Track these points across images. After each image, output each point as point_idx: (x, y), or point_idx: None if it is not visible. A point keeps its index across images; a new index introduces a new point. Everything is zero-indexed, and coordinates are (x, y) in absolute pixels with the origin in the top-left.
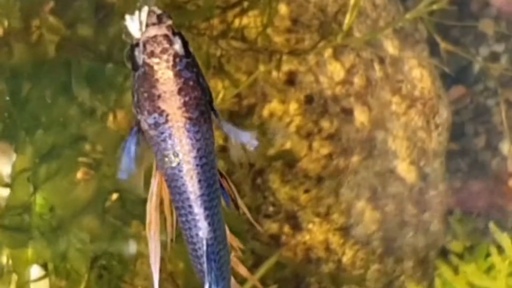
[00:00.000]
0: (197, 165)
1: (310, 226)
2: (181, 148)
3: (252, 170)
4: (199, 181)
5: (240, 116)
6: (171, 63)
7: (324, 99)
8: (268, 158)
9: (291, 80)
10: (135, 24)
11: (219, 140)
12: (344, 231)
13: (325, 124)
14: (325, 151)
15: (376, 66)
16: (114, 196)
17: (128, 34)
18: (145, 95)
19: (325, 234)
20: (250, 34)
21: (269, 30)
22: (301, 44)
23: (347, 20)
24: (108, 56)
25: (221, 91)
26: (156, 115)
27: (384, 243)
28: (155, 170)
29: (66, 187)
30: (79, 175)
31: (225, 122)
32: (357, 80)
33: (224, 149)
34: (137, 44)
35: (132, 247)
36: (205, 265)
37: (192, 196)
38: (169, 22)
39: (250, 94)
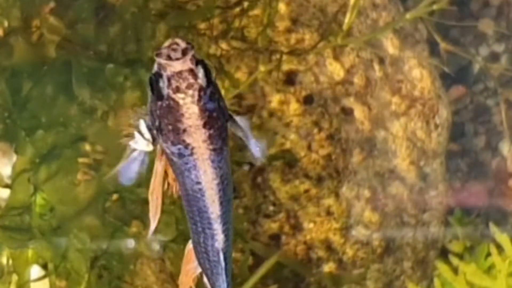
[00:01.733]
0: (219, 190)
1: (311, 225)
2: (205, 177)
3: (252, 169)
4: (221, 203)
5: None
6: (196, 98)
7: (324, 99)
8: (268, 158)
9: (291, 80)
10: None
11: None
12: (344, 230)
13: (325, 124)
14: (325, 151)
15: (376, 66)
16: (114, 196)
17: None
18: (170, 127)
19: (326, 233)
20: (250, 34)
21: (269, 30)
22: (301, 44)
23: (347, 20)
24: (108, 56)
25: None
26: (181, 146)
27: (384, 243)
28: (160, 153)
29: (66, 187)
30: (79, 175)
31: (237, 125)
32: (357, 80)
33: None
34: (160, 75)
35: (132, 247)
36: (221, 271)
37: (212, 216)
38: (193, 53)
39: (250, 94)
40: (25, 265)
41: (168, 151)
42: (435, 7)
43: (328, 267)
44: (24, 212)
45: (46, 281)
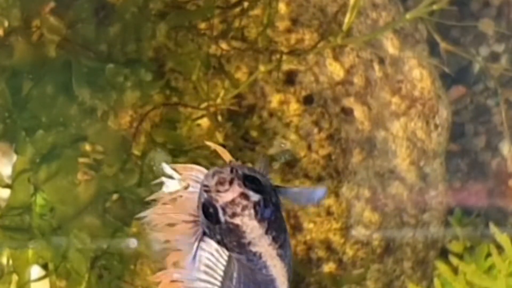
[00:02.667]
0: (287, 270)
1: (311, 225)
2: (275, 270)
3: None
4: (288, 279)
5: (240, 116)
6: (253, 214)
7: (324, 99)
8: (268, 158)
9: (291, 80)
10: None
11: (219, 139)
12: (344, 231)
13: (325, 124)
14: (325, 151)
15: (376, 66)
16: (114, 196)
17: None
18: (234, 243)
19: (326, 233)
20: (250, 34)
21: (269, 30)
22: (301, 44)
23: (347, 20)
24: (108, 56)
25: (221, 91)
26: (249, 255)
27: (384, 243)
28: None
29: (66, 187)
30: (79, 175)
31: (286, 191)
32: (357, 80)
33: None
34: (212, 205)
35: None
36: None
37: (277, 283)
38: (238, 176)
39: (250, 94)
40: (25, 265)
41: (235, 256)
42: (435, 7)
43: (328, 267)
44: (24, 212)
45: (46, 281)
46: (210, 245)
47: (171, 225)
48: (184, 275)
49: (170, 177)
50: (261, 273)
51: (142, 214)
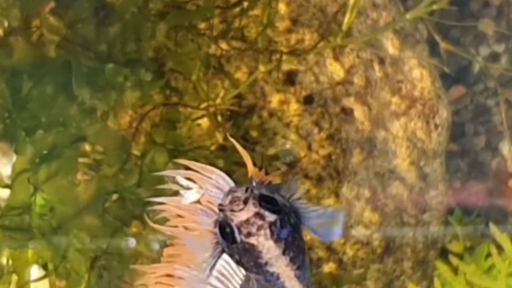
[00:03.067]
0: None
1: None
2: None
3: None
4: None
5: (240, 116)
6: (269, 234)
7: (324, 99)
8: (268, 158)
9: (291, 80)
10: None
11: (219, 139)
12: (344, 231)
13: (325, 124)
14: (325, 151)
15: (376, 66)
16: (114, 196)
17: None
18: (251, 263)
19: None
20: (250, 34)
21: (269, 30)
22: (301, 44)
23: (347, 20)
24: (108, 56)
25: (221, 91)
26: (266, 275)
27: (384, 243)
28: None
29: (66, 187)
30: (79, 175)
31: (307, 217)
32: (357, 80)
33: (223, 148)
34: (228, 224)
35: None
36: None
37: None
38: (254, 196)
39: (250, 94)
40: (25, 265)
41: (254, 276)
42: (435, 7)
43: (328, 267)
44: (24, 212)
45: (46, 281)
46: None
47: (187, 228)
48: (191, 275)
49: (186, 188)
50: None
51: (159, 200)
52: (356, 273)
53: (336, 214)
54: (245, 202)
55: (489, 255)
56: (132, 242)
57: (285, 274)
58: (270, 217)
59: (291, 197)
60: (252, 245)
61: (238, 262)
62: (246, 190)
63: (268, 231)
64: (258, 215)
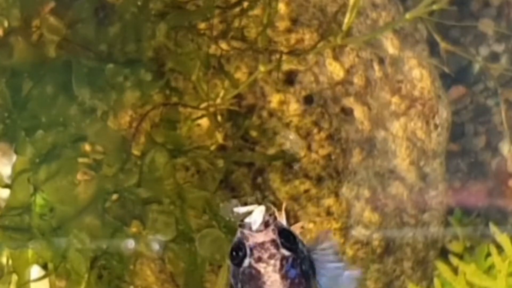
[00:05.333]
0: None
1: (311, 225)
2: None
3: (252, 169)
4: None
5: (240, 116)
6: (278, 267)
7: (324, 99)
8: (268, 158)
9: (291, 80)
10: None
11: (219, 139)
12: (344, 231)
13: (324, 124)
14: (324, 151)
15: (376, 66)
16: (114, 196)
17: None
18: None
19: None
20: (250, 34)
21: (269, 30)
22: (301, 44)
23: (346, 20)
24: (108, 56)
25: (221, 91)
26: None
27: (384, 243)
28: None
29: (66, 187)
30: (79, 175)
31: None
32: (357, 80)
33: (224, 148)
34: (242, 244)
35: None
36: None
37: None
38: (275, 223)
39: (250, 94)
40: (25, 265)
41: None
42: (435, 7)
43: None
44: (24, 212)
45: (46, 281)
46: None
47: None
48: None
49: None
50: None
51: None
52: None
53: (350, 280)
54: (266, 225)
55: (489, 255)
56: (131, 243)
57: None
58: (285, 250)
59: (316, 248)
60: (258, 273)
61: None
62: (271, 215)
63: (278, 263)
64: (274, 243)
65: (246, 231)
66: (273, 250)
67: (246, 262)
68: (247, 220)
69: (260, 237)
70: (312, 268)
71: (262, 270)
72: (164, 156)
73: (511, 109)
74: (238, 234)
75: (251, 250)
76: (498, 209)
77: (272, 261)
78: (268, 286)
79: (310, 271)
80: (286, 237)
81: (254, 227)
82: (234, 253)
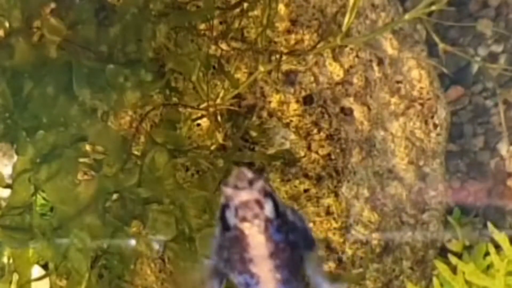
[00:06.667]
0: None
1: (310, 225)
2: None
3: (252, 169)
4: None
5: (240, 116)
6: (262, 228)
7: (323, 99)
8: (268, 158)
9: (290, 80)
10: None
11: (219, 139)
12: (344, 230)
13: (324, 124)
14: (324, 151)
15: (375, 67)
16: (114, 196)
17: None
18: (236, 256)
19: (325, 233)
20: (249, 34)
21: (268, 31)
22: (301, 45)
23: (346, 20)
24: (108, 56)
25: (221, 91)
26: (247, 276)
27: (383, 242)
28: None
29: (66, 187)
30: (80, 175)
31: (309, 263)
32: (356, 81)
33: (224, 148)
34: (227, 205)
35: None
36: None
37: None
38: (261, 184)
39: (250, 94)
40: (26, 265)
41: (235, 281)
42: (434, 8)
43: (327, 267)
44: (24, 212)
45: (46, 281)
46: None
47: None
48: None
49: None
50: None
51: None
52: (355, 272)
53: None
54: (251, 183)
55: (487, 254)
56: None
57: (266, 280)
58: (269, 211)
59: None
60: (243, 233)
61: (226, 261)
62: (256, 174)
63: (262, 224)
64: (258, 202)
65: (230, 190)
66: (257, 210)
67: (232, 222)
68: (231, 178)
69: (244, 195)
70: (305, 244)
71: (246, 231)
72: (164, 156)
73: (510, 109)
74: (223, 197)
75: (236, 210)
76: (497, 209)
77: (256, 221)
78: (253, 248)
79: (300, 245)
80: (272, 200)
81: (239, 184)
82: (223, 218)
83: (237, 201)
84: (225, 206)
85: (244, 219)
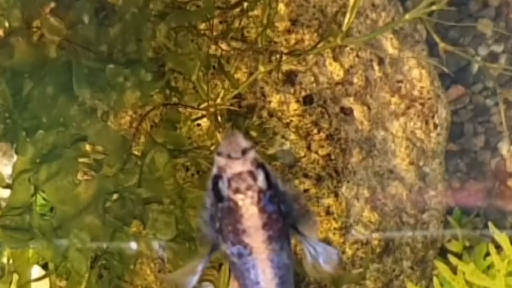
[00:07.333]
0: (276, 284)
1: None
2: (264, 277)
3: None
4: None
5: (240, 116)
6: (255, 199)
7: (323, 99)
8: (268, 158)
9: (291, 80)
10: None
11: (219, 139)
12: (344, 230)
13: (324, 124)
14: (324, 151)
15: (376, 66)
16: (114, 196)
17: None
18: (229, 228)
19: (325, 233)
20: (250, 34)
21: (269, 31)
22: (301, 45)
23: (346, 20)
24: (108, 56)
25: (221, 91)
26: (240, 247)
27: (384, 242)
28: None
29: (66, 187)
30: (80, 175)
31: (307, 238)
32: (357, 80)
33: None
34: (220, 176)
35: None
36: None
37: None
38: (253, 154)
39: (250, 94)
40: (26, 265)
41: (228, 251)
42: (434, 7)
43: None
44: (24, 212)
45: (46, 281)
46: None
47: None
48: None
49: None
50: (249, 279)
51: None
52: (356, 272)
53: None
54: (244, 152)
55: (488, 254)
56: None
57: (259, 250)
58: (262, 183)
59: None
60: (236, 205)
61: (219, 231)
62: (249, 142)
63: (255, 195)
64: (251, 174)
65: (223, 160)
66: (250, 181)
67: (225, 193)
68: (224, 146)
69: (238, 167)
70: (299, 212)
71: (240, 202)
72: (164, 156)
73: (510, 109)
74: (215, 168)
75: (229, 181)
76: (497, 209)
77: (249, 193)
78: (246, 219)
79: (289, 214)
80: (264, 171)
81: (232, 153)
82: (215, 189)
83: (230, 172)
84: (217, 177)
85: (237, 191)
